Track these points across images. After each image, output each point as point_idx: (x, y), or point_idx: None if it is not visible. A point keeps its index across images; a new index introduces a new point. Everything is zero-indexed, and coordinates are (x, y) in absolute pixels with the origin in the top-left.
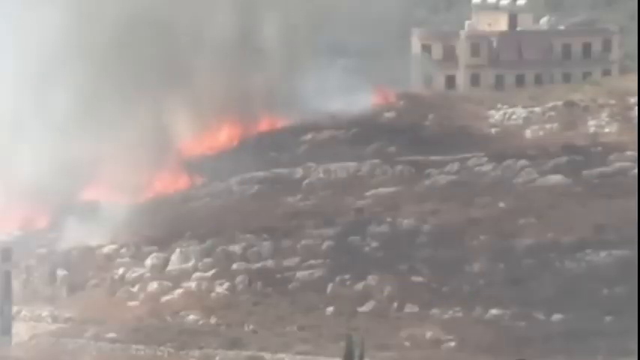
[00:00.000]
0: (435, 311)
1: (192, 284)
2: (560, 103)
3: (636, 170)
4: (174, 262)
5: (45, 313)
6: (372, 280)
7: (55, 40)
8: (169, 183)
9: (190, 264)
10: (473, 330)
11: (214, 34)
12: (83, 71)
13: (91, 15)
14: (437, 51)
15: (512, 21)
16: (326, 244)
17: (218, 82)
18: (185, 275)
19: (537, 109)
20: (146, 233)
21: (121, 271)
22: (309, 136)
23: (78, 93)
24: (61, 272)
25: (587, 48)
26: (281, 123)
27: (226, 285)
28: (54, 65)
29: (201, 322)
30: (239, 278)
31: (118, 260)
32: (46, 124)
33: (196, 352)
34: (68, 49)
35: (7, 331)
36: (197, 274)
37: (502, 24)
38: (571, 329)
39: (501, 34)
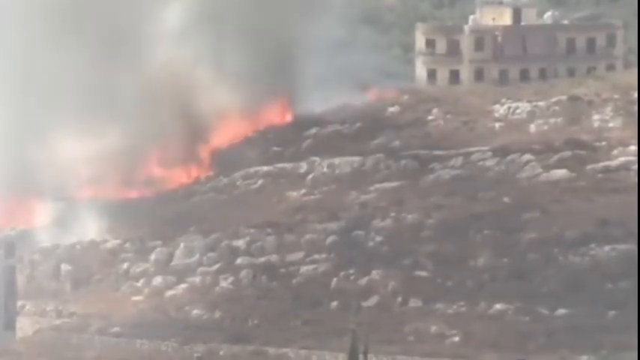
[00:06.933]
0: (439, 306)
1: (197, 279)
2: (564, 97)
3: None
4: (179, 257)
5: (49, 308)
6: (376, 274)
7: (61, 27)
8: (175, 177)
9: (194, 259)
10: (477, 325)
11: (218, 28)
12: (89, 66)
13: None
14: (441, 46)
15: (517, 15)
16: (330, 239)
17: (220, 79)
18: (189, 270)
19: (541, 104)
20: (150, 228)
21: (125, 265)
22: (313, 131)
23: (84, 90)
24: (65, 267)
25: (591, 43)
26: (285, 118)
27: (230, 279)
28: (57, 58)
29: (205, 317)
30: (243, 273)
31: (122, 255)
32: (48, 119)
33: (200, 347)
34: (75, 37)
35: (12, 325)
36: (201, 269)
37: (506, 18)
38: (575, 324)
39: (505, 29)
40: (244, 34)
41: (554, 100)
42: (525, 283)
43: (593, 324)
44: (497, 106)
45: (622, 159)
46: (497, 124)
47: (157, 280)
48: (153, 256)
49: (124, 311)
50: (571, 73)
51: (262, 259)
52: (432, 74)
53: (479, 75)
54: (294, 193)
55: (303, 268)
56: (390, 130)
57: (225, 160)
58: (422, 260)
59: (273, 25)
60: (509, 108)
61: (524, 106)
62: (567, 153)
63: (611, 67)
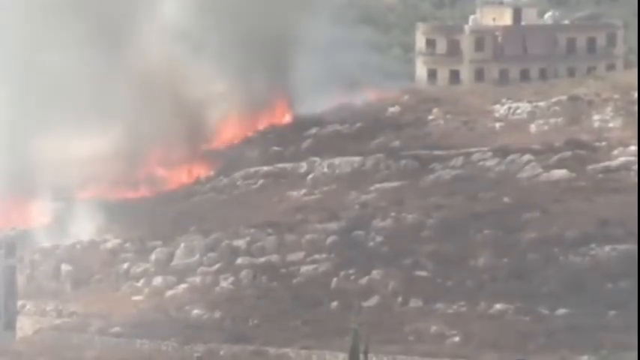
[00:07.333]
0: (439, 306)
1: (197, 279)
2: (564, 97)
3: None
4: (179, 257)
5: (49, 308)
6: (376, 274)
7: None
8: (175, 178)
9: (195, 258)
10: (477, 324)
11: (216, 30)
12: (88, 65)
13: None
14: (441, 45)
15: (517, 15)
16: (330, 239)
17: (220, 78)
18: (189, 270)
19: (542, 104)
20: (150, 228)
21: (125, 265)
22: (313, 131)
23: (84, 90)
24: (65, 267)
25: (591, 42)
26: (285, 118)
27: (231, 279)
28: (57, 58)
29: (205, 317)
30: (243, 273)
31: (123, 255)
32: (48, 118)
33: (200, 347)
34: (73, 36)
35: (12, 325)
36: (201, 269)
37: (506, 18)
38: (575, 324)
39: (506, 29)
40: (244, 35)
41: (554, 100)
42: (525, 283)
43: (593, 324)
44: (497, 106)
45: (622, 159)
46: (497, 124)
47: (157, 280)
48: (153, 256)
49: (124, 311)
50: (571, 73)
51: (262, 259)
52: (432, 74)
53: (479, 75)
54: (295, 193)
55: (304, 268)
56: (390, 130)
57: (225, 160)
58: (422, 260)
59: (273, 25)
60: (509, 108)
61: (524, 106)
62: (567, 153)
63: (611, 67)
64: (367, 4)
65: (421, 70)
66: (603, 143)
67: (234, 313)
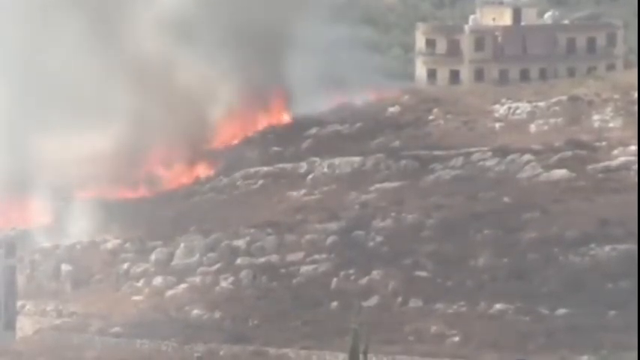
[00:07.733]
0: (439, 306)
1: (197, 279)
2: (564, 97)
3: None
4: (179, 257)
5: (49, 308)
6: (376, 274)
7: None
8: (175, 178)
9: (195, 259)
10: (477, 324)
11: (213, 29)
12: (91, 65)
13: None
14: (441, 45)
15: (517, 15)
16: (330, 239)
17: (218, 77)
18: (189, 270)
19: (542, 104)
20: (150, 228)
21: (125, 265)
22: (313, 131)
23: (86, 89)
24: (65, 267)
25: (591, 42)
26: (285, 118)
27: (230, 280)
28: (57, 57)
29: (205, 317)
30: (243, 273)
31: (123, 255)
32: (48, 118)
33: (200, 347)
34: (73, 35)
35: (12, 325)
36: (201, 269)
37: (506, 18)
38: (575, 324)
39: (506, 29)
40: (243, 34)
41: (554, 100)
42: (525, 283)
43: (593, 324)
44: (497, 106)
45: (622, 159)
46: (497, 124)
47: (157, 280)
48: (153, 256)
49: (124, 311)
50: (571, 73)
51: (262, 259)
52: (432, 74)
53: (479, 75)
54: (295, 193)
55: (304, 268)
56: (390, 130)
57: (225, 160)
58: (422, 260)
59: (273, 25)
60: (509, 108)
61: (524, 106)
62: (567, 153)
63: (611, 67)
64: (367, 4)
65: (421, 70)
66: (603, 143)
67: (234, 313)
